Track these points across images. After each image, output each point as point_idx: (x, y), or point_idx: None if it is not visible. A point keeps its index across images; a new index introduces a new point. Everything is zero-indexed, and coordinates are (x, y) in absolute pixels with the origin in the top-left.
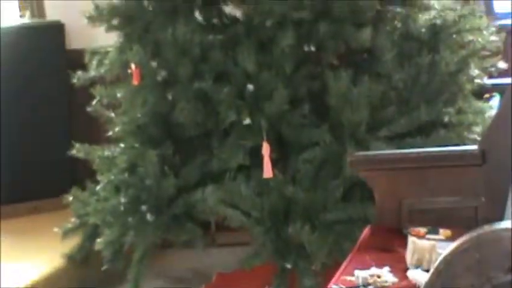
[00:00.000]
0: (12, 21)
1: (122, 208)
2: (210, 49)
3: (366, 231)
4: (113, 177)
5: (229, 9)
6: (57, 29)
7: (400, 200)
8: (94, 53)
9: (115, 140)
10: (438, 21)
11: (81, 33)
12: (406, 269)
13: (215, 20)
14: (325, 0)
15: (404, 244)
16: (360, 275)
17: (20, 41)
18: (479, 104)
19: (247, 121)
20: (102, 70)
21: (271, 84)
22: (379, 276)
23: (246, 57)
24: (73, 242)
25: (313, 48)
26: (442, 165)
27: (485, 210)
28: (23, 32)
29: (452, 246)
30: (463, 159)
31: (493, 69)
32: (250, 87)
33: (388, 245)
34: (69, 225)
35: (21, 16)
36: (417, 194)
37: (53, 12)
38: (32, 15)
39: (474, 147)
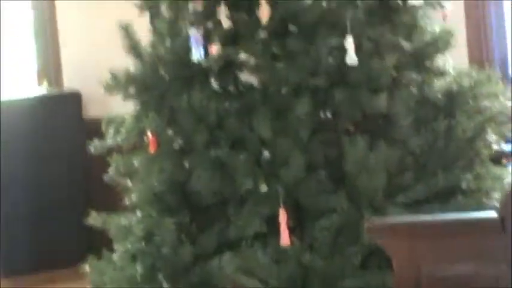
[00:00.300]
0: (30, 90)
1: (139, 277)
2: (226, 116)
3: None
4: (129, 246)
5: (245, 76)
6: (74, 99)
7: (419, 267)
8: (111, 121)
9: (132, 208)
10: (454, 87)
11: (98, 101)
12: None
13: (231, 88)
14: (341, 67)
15: None
16: None
17: (38, 111)
18: (498, 169)
19: (263, 188)
20: (118, 138)
21: (288, 151)
22: None
23: (262, 124)
24: None
25: (329, 115)
26: (461, 232)
27: (506, 278)
28: (41, 101)
29: None
30: (482, 226)
31: (510, 134)
32: (266, 154)
33: None
34: None
35: (39, 85)
36: (436, 261)
37: (70, 81)
38: (50, 84)
39: (493, 213)
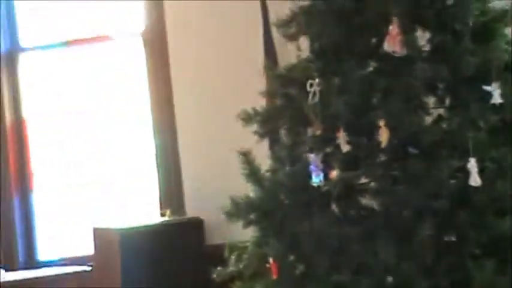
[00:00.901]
0: (153, 219)
1: None
2: (348, 241)
3: None
4: None
5: (365, 200)
6: (196, 225)
7: None
8: (233, 247)
9: None
10: None
11: (219, 228)
12: None
13: (352, 212)
14: (464, 189)
15: None
16: None
17: (161, 237)
18: None
19: None
20: (240, 265)
21: (412, 275)
22: None
23: (384, 248)
24: None
25: (453, 238)
26: None
27: None
28: (164, 228)
29: None
30: None
31: None
32: (389, 279)
33: None
34: None
35: (162, 215)
36: None
37: (192, 209)
38: (172, 214)
39: None
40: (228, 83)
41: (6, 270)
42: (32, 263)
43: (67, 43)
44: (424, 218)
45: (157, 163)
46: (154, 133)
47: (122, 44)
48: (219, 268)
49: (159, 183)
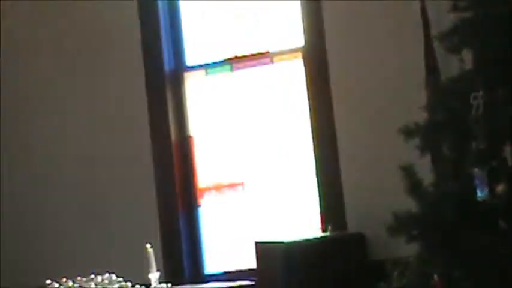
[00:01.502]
0: (315, 233)
1: None
2: None
3: None
4: None
5: None
6: (358, 240)
7: None
8: (395, 263)
9: None
10: None
11: (382, 243)
12: None
13: None
14: None
15: None
16: None
17: (323, 252)
18: None
19: None
20: (404, 281)
21: None
22: None
23: None
24: None
25: None
26: None
27: None
28: (325, 243)
29: None
30: None
31: None
32: None
33: None
34: None
35: (323, 230)
36: None
37: (354, 223)
38: (334, 228)
39: None
40: (389, 96)
41: (173, 284)
42: (198, 277)
43: (230, 60)
44: None
45: (317, 178)
46: (314, 148)
47: (282, 59)
48: (381, 284)
49: (319, 198)
